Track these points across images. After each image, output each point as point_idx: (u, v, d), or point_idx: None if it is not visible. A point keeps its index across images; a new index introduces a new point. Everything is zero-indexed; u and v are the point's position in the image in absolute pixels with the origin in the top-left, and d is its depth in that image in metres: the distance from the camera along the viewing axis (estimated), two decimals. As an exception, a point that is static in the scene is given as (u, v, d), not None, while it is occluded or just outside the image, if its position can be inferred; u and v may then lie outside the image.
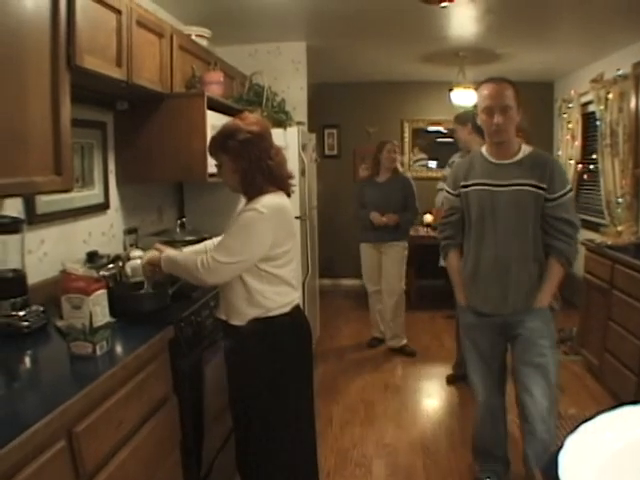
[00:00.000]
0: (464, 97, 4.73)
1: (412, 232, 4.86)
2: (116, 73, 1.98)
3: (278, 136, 2.71)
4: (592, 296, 3.53)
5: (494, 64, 4.70)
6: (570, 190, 2.06)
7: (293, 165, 3.15)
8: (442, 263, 3.80)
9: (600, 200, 4.34)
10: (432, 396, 3.47)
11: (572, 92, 5.02)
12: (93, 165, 2.48)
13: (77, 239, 2.35)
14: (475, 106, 2.17)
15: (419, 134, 6.09)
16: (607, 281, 3.27)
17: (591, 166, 4.85)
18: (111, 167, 2.64)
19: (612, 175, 4.09)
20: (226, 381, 1.91)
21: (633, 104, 3.80)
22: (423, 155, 6.14)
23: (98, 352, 1.50)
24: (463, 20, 3.55)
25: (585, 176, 5.01)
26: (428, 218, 5.39)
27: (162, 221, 3.18)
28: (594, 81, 4.36)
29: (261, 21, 3.58)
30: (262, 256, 1.75)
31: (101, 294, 1.75)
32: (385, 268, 4.05)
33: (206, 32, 3.05)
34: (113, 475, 1.38)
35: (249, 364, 1.82)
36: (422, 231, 5.27)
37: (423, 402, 3.38)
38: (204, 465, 2.02)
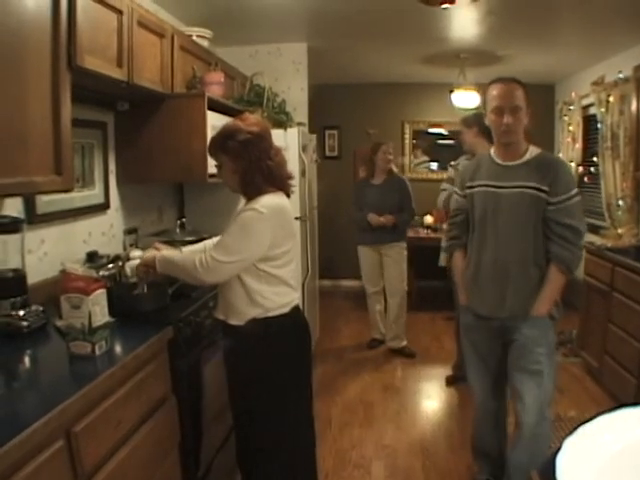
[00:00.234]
0: (465, 99, 4.72)
1: (412, 233, 4.87)
2: (117, 73, 1.98)
3: (278, 137, 2.72)
4: (592, 298, 3.53)
5: (495, 66, 4.69)
6: (576, 194, 1.99)
7: (293, 166, 3.15)
8: (441, 262, 3.83)
9: (601, 202, 4.34)
10: (431, 397, 3.47)
11: (573, 94, 5.01)
12: (93, 165, 2.48)
13: (77, 239, 2.35)
14: (479, 107, 2.16)
15: (420, 136, 6.09)
16: (607, 283, 3.26)
17: (592, 168, 4.85)
18: (111, 167, 2.64)
19: (613, 178, 4.09)
20: (225, 381, 1.91)
21: (634, 107, 3.80)
22: (425, 157, 6.14)
23: (97, 352, 1.50)
24: (464, 22, 3.55)
25: (586, 178, 5.00)
26: (429, 219, 5.39)
27: (162, 221, 3.18)
28: (595, 84, 4.35)
29: (262, 22, 3.59)
30: (261, 256, 1.75)
31: (100, 294, 1.76)
32: (386, 269, 4.06)
33: (207, 33, 3.05)
34: (111, 475, 1.38)
35: (248, 364, 1.82)
36: (422, 232, 5.27)
37: (422, 403, 3.38)
38: (202, 465, 2.02)
